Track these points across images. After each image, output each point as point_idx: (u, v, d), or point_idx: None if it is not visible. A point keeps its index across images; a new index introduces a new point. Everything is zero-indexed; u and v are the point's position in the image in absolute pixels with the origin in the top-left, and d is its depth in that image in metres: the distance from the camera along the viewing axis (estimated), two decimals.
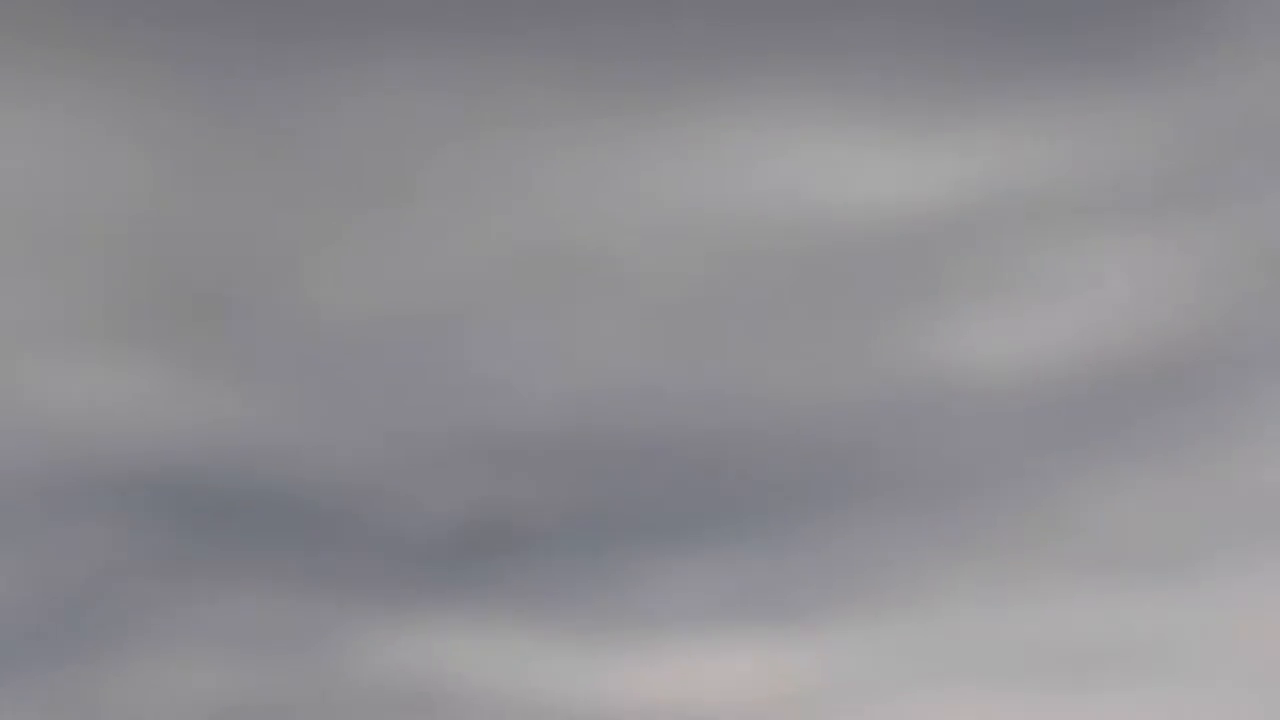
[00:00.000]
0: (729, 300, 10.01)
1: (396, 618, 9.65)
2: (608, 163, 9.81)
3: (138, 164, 9.58)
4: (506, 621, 9.29)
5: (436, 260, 9.52)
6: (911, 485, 9.44)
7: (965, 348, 9.92)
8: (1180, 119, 9.97)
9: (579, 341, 9.83)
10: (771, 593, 9.41)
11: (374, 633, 9.55)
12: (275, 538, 9.62)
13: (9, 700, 9.60)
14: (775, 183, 9.91)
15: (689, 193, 9.74)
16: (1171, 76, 10.01)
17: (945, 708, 9.11)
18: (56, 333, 10.38)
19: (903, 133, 9.81)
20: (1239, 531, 9.49)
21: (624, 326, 9.99)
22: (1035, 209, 10.15)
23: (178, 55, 9.59)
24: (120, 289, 10.21)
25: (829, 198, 10.23)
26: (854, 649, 9.38)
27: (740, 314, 10.04)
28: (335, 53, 9.45)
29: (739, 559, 9.62)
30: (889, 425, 9.68)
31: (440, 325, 9.73)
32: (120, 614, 9.80)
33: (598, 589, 9.44)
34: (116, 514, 10.23)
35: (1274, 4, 9.70)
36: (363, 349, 9.82)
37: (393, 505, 9.66)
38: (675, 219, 9.83)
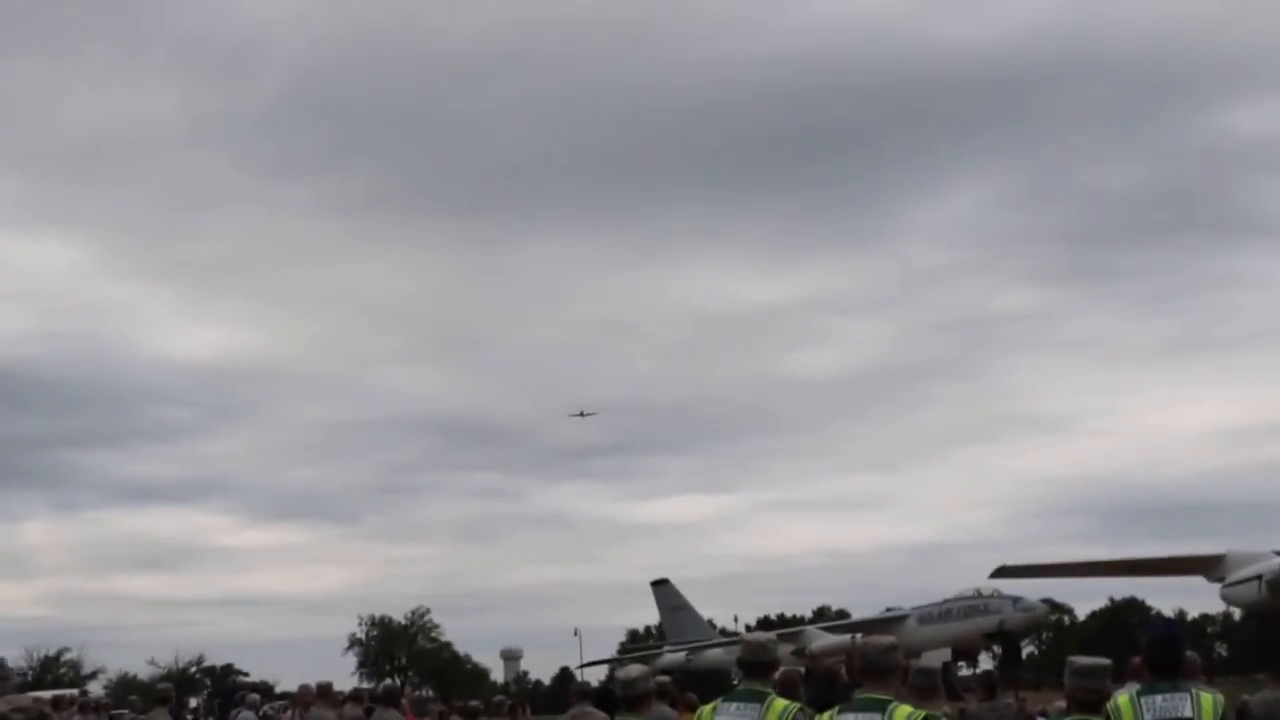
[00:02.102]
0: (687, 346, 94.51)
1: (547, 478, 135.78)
2: (632, 279, 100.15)
3: (438, 283, 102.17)
4: None
5: (563, 326, 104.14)
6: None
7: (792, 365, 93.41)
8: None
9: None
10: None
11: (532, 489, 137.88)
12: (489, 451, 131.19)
13: None
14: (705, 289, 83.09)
15: (665, 292, 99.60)
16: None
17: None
18: (402, 355, 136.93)
19: (760, 270, 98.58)
20: None
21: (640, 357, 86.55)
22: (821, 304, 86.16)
23: (458, 234, 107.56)
24: (431, 337, 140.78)
25: (726, 298, 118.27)
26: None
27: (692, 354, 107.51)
28: (520, 231, 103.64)
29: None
30: (758, 399, 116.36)
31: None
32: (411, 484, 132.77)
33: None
34: (413, 436, 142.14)
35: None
36: (533, 369, 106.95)
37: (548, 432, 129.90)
38: (664, 302, 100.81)
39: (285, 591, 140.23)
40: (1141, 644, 8.90)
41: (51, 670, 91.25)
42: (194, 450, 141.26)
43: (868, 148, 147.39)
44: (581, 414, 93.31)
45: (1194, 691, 8.36)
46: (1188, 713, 8.20)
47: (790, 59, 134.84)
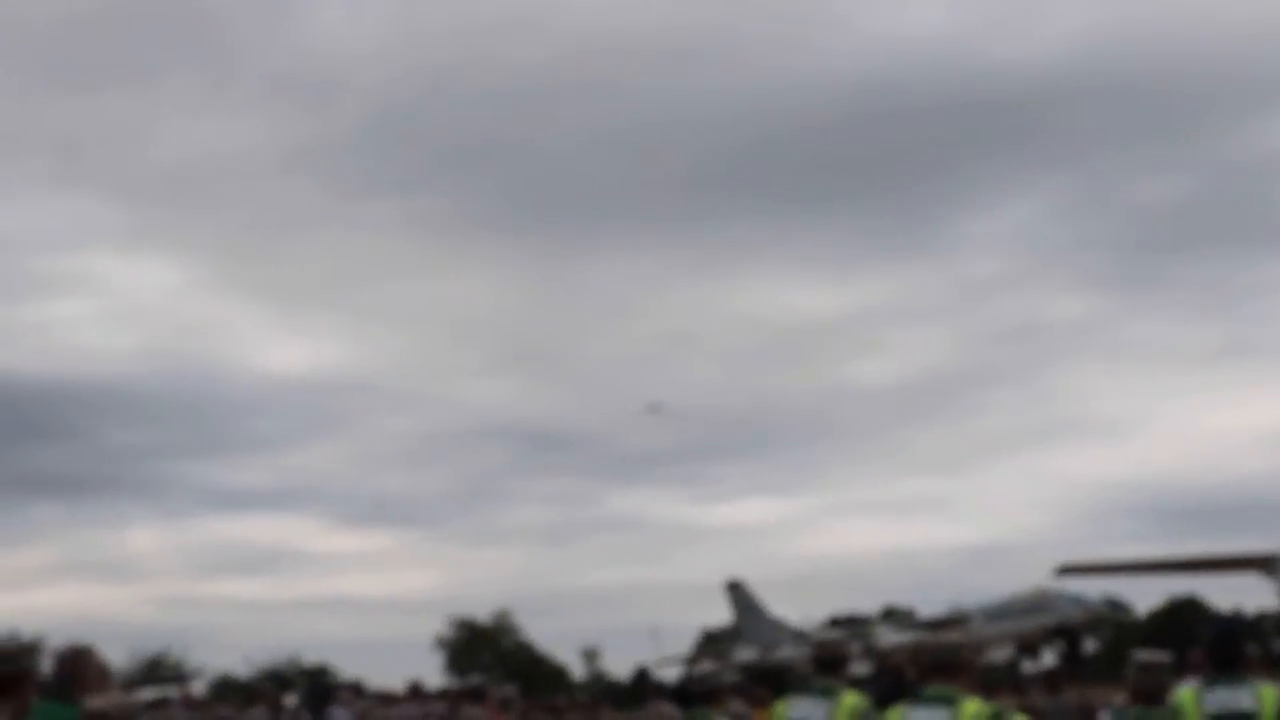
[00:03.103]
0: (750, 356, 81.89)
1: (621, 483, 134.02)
2: (695, 292, 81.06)
3: (516, 298, 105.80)
4: None
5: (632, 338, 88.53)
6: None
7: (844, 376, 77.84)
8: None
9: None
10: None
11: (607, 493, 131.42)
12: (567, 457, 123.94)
13: None
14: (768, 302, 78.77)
15: (728, 304, 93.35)
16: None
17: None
18: (483, 367, 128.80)
19: (820, 280, 74.23)
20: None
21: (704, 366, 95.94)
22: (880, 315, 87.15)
23: (532, 250, 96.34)
24: (510, 349, 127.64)
25: (788, 309, 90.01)
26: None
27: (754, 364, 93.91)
28: (589, 247, 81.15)
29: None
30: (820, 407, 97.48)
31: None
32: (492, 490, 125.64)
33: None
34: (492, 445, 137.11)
35: None
36: (603, 379, 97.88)
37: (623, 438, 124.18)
38: (726, 314, 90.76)
39: (375, 594, 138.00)
40: (1202, 639, 8.79)
41: (156, 670, 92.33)
42: (287, 460, 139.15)
43: (923, 163, 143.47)
44: (655, 408, 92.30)
45: (1255, 685, 8.25)
46: (1249, 705, 8.10)
47: (847, 80, 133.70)
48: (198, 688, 75.98)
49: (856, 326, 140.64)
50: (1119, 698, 11.36)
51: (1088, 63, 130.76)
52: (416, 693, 22.89)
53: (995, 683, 10.65)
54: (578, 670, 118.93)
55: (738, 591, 79.90)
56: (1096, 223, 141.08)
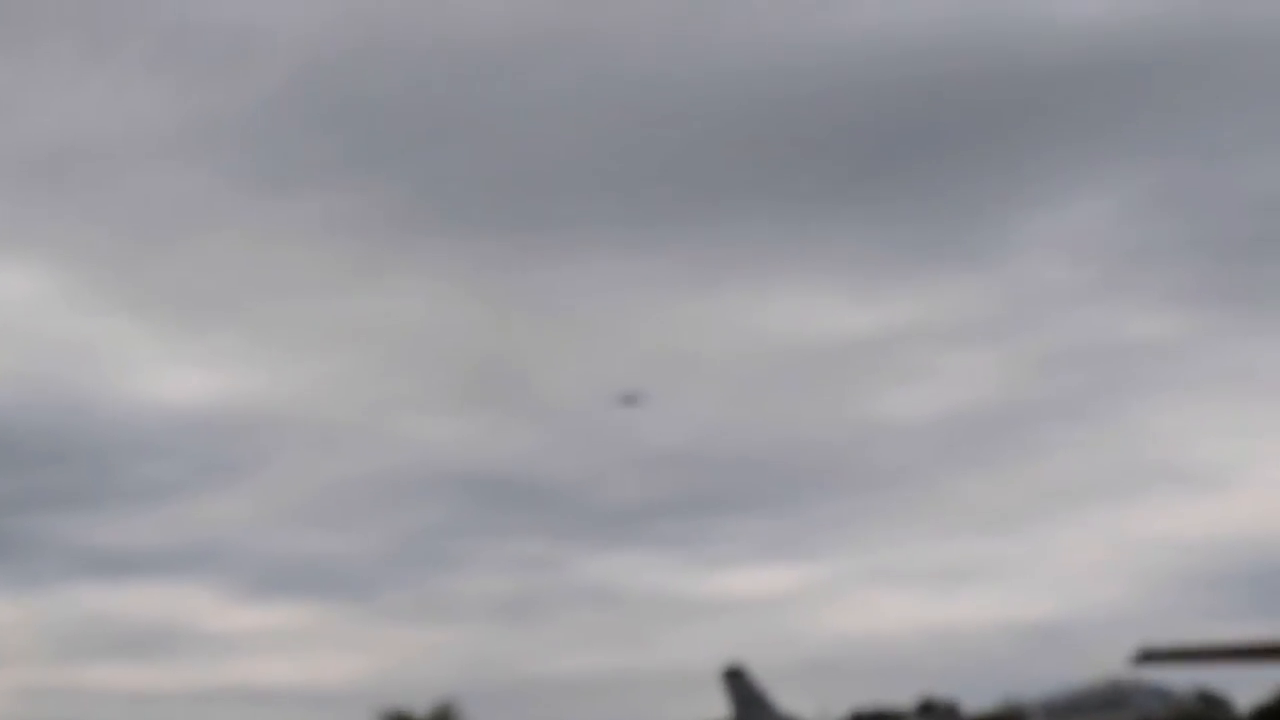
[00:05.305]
0: (762, 385, 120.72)
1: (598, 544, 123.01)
2: (695, 306, 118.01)
3: (468, 314, 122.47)
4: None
5: (618, 363, 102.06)
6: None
7: (877, 409, 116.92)
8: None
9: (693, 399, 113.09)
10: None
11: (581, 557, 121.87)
12: (531, 512, 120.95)
13: None
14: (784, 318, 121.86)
15: (738, 322, 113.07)
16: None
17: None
18: (428, 399, 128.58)
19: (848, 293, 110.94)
20: None
21: (706, 398, 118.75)
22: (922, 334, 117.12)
23: (491, 256, 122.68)
24: (461, 378, 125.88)
25: (810, 327, 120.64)
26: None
27: (768, 395, 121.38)
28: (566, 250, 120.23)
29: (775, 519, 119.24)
30: (848, 447, 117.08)
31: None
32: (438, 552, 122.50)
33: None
34: (442, 495, 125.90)
35: None
36: (580, 414, 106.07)
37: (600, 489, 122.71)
38: (734, 333, 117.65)
39: (288, 682, 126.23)
40: None
41: None
42: (180, 513, 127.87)
43: (972, 148, 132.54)
44: (629, 399, 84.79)
45: None
46: None
47: (879, 41, 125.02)
48: None
49: (891, 348, 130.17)
50: None
51: (1179, 21, 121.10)
52: None
53: None
54: None
55: (739, 681, 74.78)
56: (1188, 221, 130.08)
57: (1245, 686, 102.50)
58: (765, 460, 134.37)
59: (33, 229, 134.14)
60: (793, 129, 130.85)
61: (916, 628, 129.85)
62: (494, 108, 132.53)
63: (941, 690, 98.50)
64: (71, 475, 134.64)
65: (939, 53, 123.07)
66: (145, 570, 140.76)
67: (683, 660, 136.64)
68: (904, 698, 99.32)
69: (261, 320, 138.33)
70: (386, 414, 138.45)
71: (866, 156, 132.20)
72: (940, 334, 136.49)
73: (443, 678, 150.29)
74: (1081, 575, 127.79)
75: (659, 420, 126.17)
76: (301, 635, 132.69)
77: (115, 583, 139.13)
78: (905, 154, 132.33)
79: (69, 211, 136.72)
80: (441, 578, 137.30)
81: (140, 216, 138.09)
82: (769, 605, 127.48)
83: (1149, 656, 53.54)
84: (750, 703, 74.60)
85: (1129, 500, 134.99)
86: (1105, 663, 57.84)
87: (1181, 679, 60.13)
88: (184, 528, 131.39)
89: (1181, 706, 56.32)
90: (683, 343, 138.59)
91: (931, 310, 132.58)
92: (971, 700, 75.98)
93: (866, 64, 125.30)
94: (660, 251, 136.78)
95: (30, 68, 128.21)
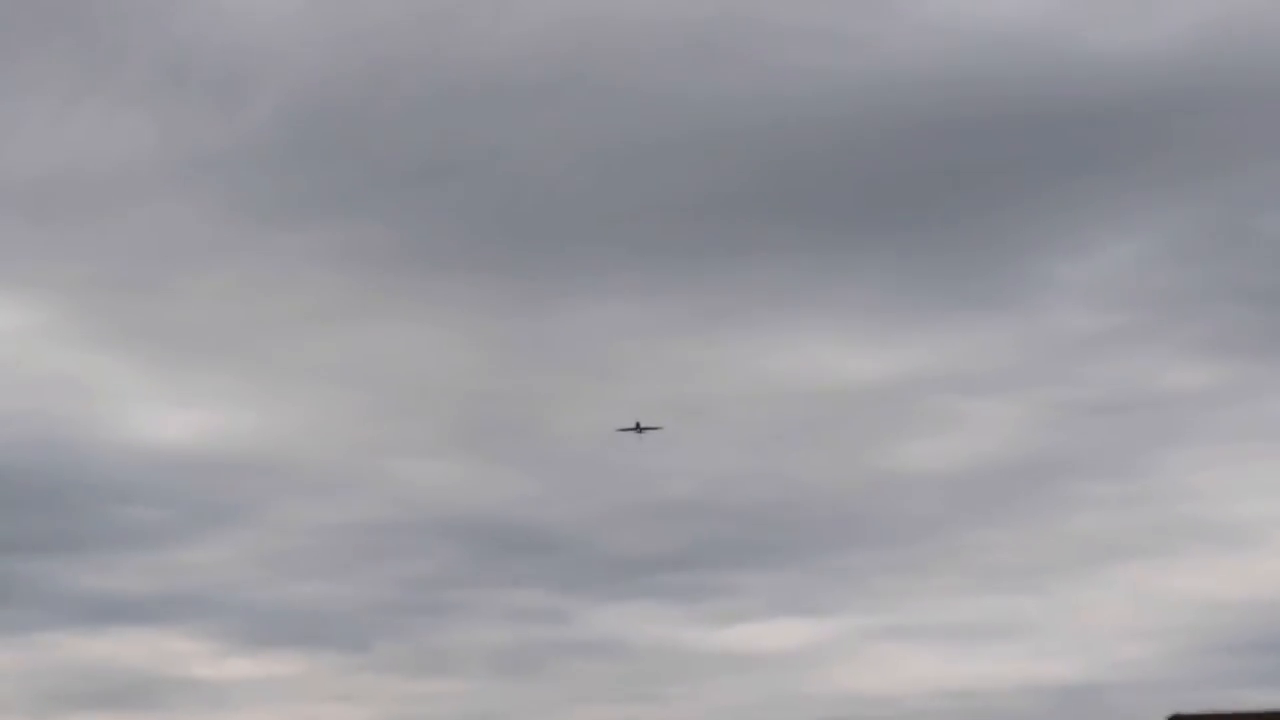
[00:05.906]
0: (775, 433, 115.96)
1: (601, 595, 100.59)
2: (706, 351, 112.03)
3: (470, 356, 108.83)
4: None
5: (623, 408, 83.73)
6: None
7: (895, 459, 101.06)
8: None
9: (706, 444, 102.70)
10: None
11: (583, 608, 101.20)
12: (531, 561, 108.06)
13: None
14: (798, 363, 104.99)
15: (749, 367, 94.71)
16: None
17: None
18: (425, 443, 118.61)
19: (865, 339, 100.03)
20: None
21: (717, 446, 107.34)
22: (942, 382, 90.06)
23: (493, 298, 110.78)
24: (460, 421, 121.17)
25: (825, 374, 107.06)
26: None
27: (781, 443, 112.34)
28: (571, 292, 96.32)
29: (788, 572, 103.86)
30: (864, 498, 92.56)
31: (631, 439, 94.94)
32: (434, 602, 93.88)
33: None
34: (440, 543, 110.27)
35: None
36: (585, 461, 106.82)
37: (604, 537, 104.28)
38: (746, 379, 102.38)
39: None
40: None
41: None
42: (169, 559, 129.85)
43: (996, 187, 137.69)
44: (638, 427, 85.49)
45: None
46: None
47: (900, 80, 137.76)
48: None
49: (909, 396, 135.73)
50: None
51: (1220, 58, 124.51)
52: None
53: None
54: None
55: None
56: (1229, 264, 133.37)
57: None
58: (777, 510, 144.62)
59: (18, 261, 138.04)
60: (806, 165, 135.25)
61: (935, 688, 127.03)
62: (497, 146, 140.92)
63: None
64: (56, 519, 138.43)
65: (965, 88, 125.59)
66: (131, 619, 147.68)
67: (689, 717, 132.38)
68: None
69: (255, 359, 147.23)
70: (384, 458, 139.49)
71: (885, 200, 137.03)
72: (961, 381, 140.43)
73: None
74: (1109, 635, 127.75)
75: (667, 467, 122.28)
76: (293, 687, 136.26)
77: (100, 632, 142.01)
78: (926, 191, 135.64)
79: (58, 242, 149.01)
80: (438, 629, 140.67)
81: (132, 249, 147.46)
82: (779, 661, 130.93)
83: None
84: None
85: (1160, 558, 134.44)
86: None
87: None
88: (172, 575, 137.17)
89: None
90: (693, 388, 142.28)
91: (952, 357, 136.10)
92: None
93: (887, 98, 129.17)
94: (669, 294, 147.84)
95: (17, 89, 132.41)
